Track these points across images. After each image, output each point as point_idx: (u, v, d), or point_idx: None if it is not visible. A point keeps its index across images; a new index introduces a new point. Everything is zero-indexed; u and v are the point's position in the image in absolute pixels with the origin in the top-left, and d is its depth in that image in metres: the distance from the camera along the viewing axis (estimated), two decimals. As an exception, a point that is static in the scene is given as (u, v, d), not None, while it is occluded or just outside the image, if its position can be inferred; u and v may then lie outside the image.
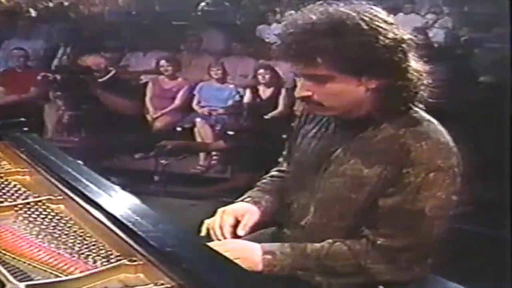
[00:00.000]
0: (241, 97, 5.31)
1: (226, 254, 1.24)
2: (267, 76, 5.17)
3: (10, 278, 1.07)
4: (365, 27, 1.36)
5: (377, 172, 1.43)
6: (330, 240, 1.48)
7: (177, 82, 5.52)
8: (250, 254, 1.46)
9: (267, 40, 6.92)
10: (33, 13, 7.19)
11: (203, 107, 5.40)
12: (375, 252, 1.45)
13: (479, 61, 5.21)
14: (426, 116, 1.49)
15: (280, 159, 1.79)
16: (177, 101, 5.44)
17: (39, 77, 5.45)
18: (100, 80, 5.17)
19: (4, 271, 1.10)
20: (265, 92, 5.20)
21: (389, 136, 1.44)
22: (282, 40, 1.43)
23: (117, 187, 1.50)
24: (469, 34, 5.94)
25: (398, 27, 1.41)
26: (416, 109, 1.49)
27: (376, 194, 1.43)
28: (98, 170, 1.61)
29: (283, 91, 5.17)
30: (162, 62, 5.51)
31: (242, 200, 1.67)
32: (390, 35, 1.38)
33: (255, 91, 5.23)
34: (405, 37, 1.41)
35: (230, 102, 5.27)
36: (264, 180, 1.75)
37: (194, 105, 5.48)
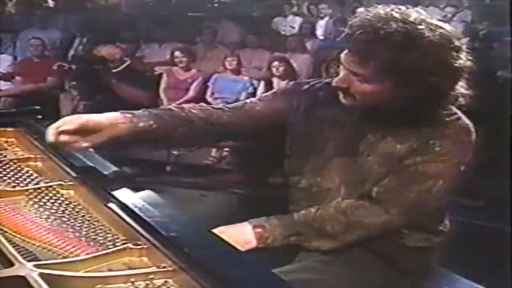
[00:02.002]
0: (255, 89, 5.33)
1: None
2: (281, 69, 5.18)
3: (19, 258, 1.11)
4: (431, 52, 1.39)
5: (407, 145, 1.50)
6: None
7: (191, 74, 5.56)
8: (243, 233, 1.50)
9: (283, 32, 6.93)
10: (50, 3, 7.26)
11: (216, 98, 5.43)
12: (365, 205, 1.51)
13: (498, 55, 5.17)
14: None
15: (220, 105, 1.67)
16: (191, 93, 5.48)
17: (54, 67, 5.52)
18: (114, 70, 5.22)
19: (14, 251, 1.14)
20: (279, 85, 5.21)
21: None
22: (351, 31, 1.45)
23: (126, 175, 1.54)
24: (488, 28, 5.89)
25: (462, 52, 1.43)
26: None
27: (399, 165, 1.51)
28: (112, 160, 1.64)
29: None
30: (177, 53, 5.55)
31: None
32: (451, 64, 1.40)
33: (269, 84, 5.25)
34: (463, 64, 1.43)
35: (243, 94, 5.29)
36: (170, 109, 1.59)
37: (208, 96, 5.51)
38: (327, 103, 1.60)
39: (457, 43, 1.43)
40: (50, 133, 1.43)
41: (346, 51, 1.48)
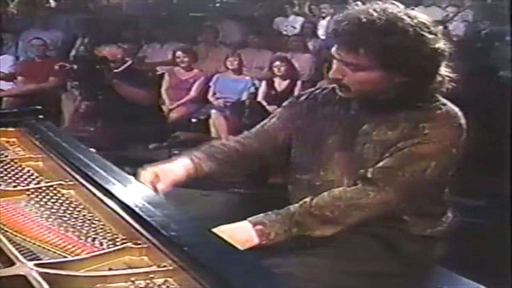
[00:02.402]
0: (256, 89, 5.34)
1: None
2: (282, 69, 5.18)
3: (20, 257, 1.12)
4: (412, 34, 1.51)
5: (398, 132, 1.57)
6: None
7: (193, 74, 5.56)
8: (243, 231, 1.51)
9: (284, 32, 6.93)
10: (52, 3, 7.27)
11: (218, 98, 5.44)
12: (360, 187, 1.55)
13: (499, 55, 5.16)
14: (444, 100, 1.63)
15: (246, 132, 1.81)
16: (193, 92, 5.48)
17: (56, 67, 5.53)
18: (116, 70, 5.23)
19: (15, 251, 1.14)
20: (280, 85, 5.22)
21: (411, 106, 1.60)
22: (337, 26, 1.58)
23: (126, 175, 1.54)
24: (489, 28, 5.89)
25: (440, 38, 1.55)
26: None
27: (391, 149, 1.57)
28: (113, 159, 1.65)
29: (299, 83, 5.18)
30: (179, 53, 5.55)
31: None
32: (431, 45, 1.53)
33: (270, 83, 5.25)
34: (444, 48, 1.56)
35: (245, 94, 5.30)
36: (214, 145, 1.78)
37: (210, 96, 5.52)
38: (326, 103, 1.71)
39: (433, 28, 1.55)
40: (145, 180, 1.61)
41: (335, 45, 1.59)
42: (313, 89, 1.81)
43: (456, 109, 1.61)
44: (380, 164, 1.56)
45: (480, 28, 6.24)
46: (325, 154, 1.66)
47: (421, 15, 1.57)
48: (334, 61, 1.60)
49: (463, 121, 1.59)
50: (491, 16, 6.07)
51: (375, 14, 1.52)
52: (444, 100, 1.61)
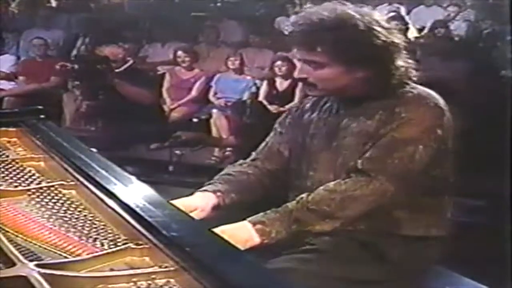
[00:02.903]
0: (258, 89, 5.33)
1: None
2: (284, 68, 5.17)
3: (21, 258, 1.12)
4: (362, 28, 1.60)
5: (377, 119, 1.62)
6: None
7: (194, 73, 5.56)
8: (243, 231, 1.52)
9: (285, 32, 6.92)
10: (53, 3, 7.27)
11: (219, 98, 5.44)
12: (354, 179, 1.56)
13: (501, 55, 5.15)
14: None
15: (254, 154, 1.84)
16: (194, 92, 5.48)
17: (57, 67, 5.53)
18: (117, 70, 5.23)
19: (15, 251, 1.14)
20: (282, 84, 5.21)
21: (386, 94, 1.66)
22: (294, 28, 1.68)
23: (128, 175, 1.54)
24: (491, 27, 5.88)
25: (392, 32, 1.64)
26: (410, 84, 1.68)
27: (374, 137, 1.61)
28: (114, 159, 1.64)
29: (300, 83, 5.17)
30: (180, 53, 5.55)
31: (206, 190, 1.72)
32: (382, 38, 1.61)
33: (272, 83, 5.24)
34: (396, 41, 1.63)
35: (246, 94, 5.29)
36: (232, 173, 1.79)
37: (211, 96, 5.51)
38: (314, 109, 1.79)
39: (384, 23, 1.63)
40: None
41: (295, 46, 1.68)
42: (305, 99, 1.87)
43: (429, 90, 1.65)
44: (368, 154, 1.59)
45: (481, 28, 6.22)
46: (313, 155, 1.71)
47: (372, 12, 1.66)
48: (298, 62, 1.69)
49: (440, 101, 1.62)
50: (492, 16, 6.05)
51: (325, 13, 1.61)
52: (414, 85, 1.66)
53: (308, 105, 1.80)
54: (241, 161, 1.84)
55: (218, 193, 1.70)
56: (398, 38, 1.64)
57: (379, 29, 1.60)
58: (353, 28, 1.59)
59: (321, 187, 1.59)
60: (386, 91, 1.64)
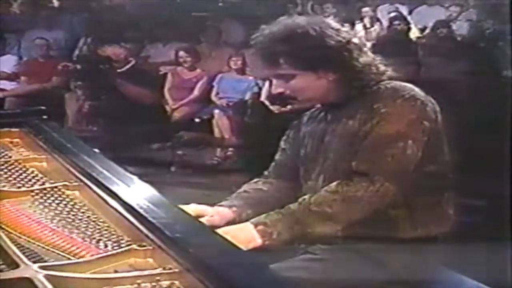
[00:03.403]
0: (260, 89, 5.33)
1: None
2: (286, 68, 5.16)
3: (25, 259, 1.11)
4: (313, 33, 1.65)
5: (357, 118, 1.64)
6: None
7: (196, 73, 5.56)
8: (245, 232, 1.52)
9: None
10: (55, 3, 7.27)
11: (221, 98, 5.43)
12: (353, 181, 1.56)
13: (503, 55, 5.15)
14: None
15: (266, 172, 1.86)
16: (196, 92, 5.48)
17: (59, 67, 5.53)
18: (119, 70, 5.23)
19: (19, 253, 1.14)
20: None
21: (362, 96, 1.68)
22: (255, 47, 1.72)
23: (130, 175, 1.53)
24: (493, 27, 5.87)
25: (348, 32, 1.70)
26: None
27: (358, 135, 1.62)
28: (116, 159, 1.64)
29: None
30: (181, 53, 5.55)
31: (222, 205, 1.72)
32: (336, 38, 1.65)
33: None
34: (353, 40, 1.69)
35: (248, 94, 5.29)
36: (248, 190, 1.80)
37: (213, 96, 5.51)
38: (308, 121, 1.81)
39: (337, 26, 1.68)
40: None
41: (261, 65, 1.71)
42: (303, 113, 1.87)
43: (405, 84, 1.66)
44: (359, 154, 1.59)
45: (483, 28, 6.21)
46: (307, 165, 1.74)
47: (324, 19, 1.72)
48: (272, 80, 1.73)
49: (418, 92, 1.63)
50: (494, 16, 6.04)
51: (275, 28, 1.67)
52: (389, 80, 1.68)
53: (305, 119, 1.83)
54: (256, 179, 1.85)
55: (234, 208, 1.71)
56: (355, 38, 1.71)
57: (331, 31, 1.65)
58: (304, 34, 1.64)
59: (323, 189, 1.59)
60: (363, 89, 1.67)
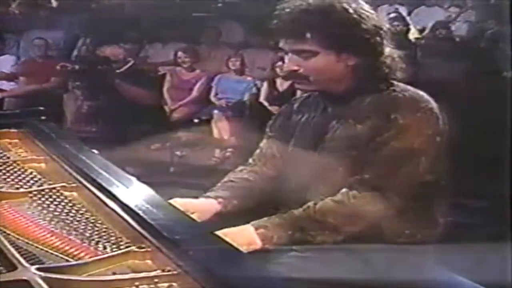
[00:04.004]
0: (258, 89, 5.33)
1: None
2: (285, 69, 5.16)
3: (22, 261, 1.11)
4: (351, 11, 1.58)
5: (368, 124, 1.57)
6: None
7: (195, 74, 5.56)
8: (245, 234, 1.51)
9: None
10: (54, 3, 7.26)
11: (220, 99, 5.43)
12: (362, 193, 1.52)
13: (502, 56, 5.14)
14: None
15: (251, 160, 1.81)
16: (195, 93, 5.47)
17: (58, 67, 5.52)
18: (118, 70, 5.22)
19: (17, 255, 1.13)
20: (282, 85, 5.20)
21: (375, 97, 1.62)
22: (279, 18, 1.62)
23: (129, 176, 1.53)
24: (493, 28, 5.86)
25: (379, 18, 1.65)
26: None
27: (370, 145, 1.56)
28: (115, 160, 1.64)
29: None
30: (180, 53, 5.55)
31: (208, 196, 1.70)
32: (371, 21, 1.60)
33: (272, 84, 5.24)
34: (383, 26, 1.63)
35: (247, 95, 5.29)
36: (233, 180, 1.76)
37: (212, 97, 5.51)
38: (300, 109, 1.74)
39: (370, 10, 1.61)
40: None
41: (282, 38, 1.63)
42: (294, 100, 1.82)
43: (420, 92, 1.62)
44: (373, 168, 1.54)
45: (483, 29, 6.21)
46: (298, 159, 1.68)
47: (359, 1, 1.63)
48: (286, 56, 1.65)
49: (433, 104, 1.59)
50: (494, 17, 6.04)
51: (310, 0, 1.59)
52: (403, 85, 1.63)
53: (296, 106, 1.77)
54: (241, 167, 1.81)
55: (220, 199, 1.69)
56: (385, 24, 1.65)
57: (367, 13, 1.60)
58: (342, 11, 1.57)
59: (329, 198, 1.55)
60: (375, 84, 1.61)
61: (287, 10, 1.60)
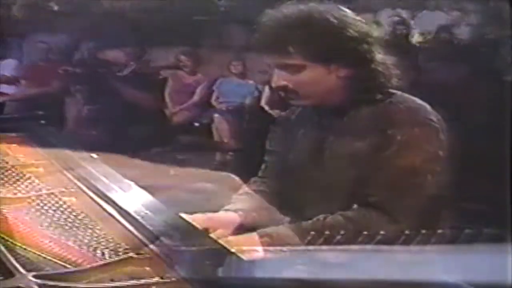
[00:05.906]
0: (260, 93, 5.32)
1: None
2: (286, 73, 5.16)
3: (20, 268, 1.10)
4: (333, 19, 1.49)
5: (367, 142, 1.50)
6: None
7: (196, 77, 5.55)
8: (248, 242, 1.48)
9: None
10: (55, 7, 7.27)
11: (221, 103, 5.43)
12: (371, 214, 1.48)
13: (504, 60, 5.14)
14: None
15: (260, 173, 1.78)
16: (196, 96, 5.47)
17: (59, 71, 5.52)
18: (119, 74, 5.22)
19: (14, 261, 1.12)
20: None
21: (371, 110, 1.53)
22: (259, 33, 1.54)
23: (128, 181, 1.52)
24: (494, 32, 5.86)
25: (366, 23, 1.55)
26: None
27: (372, 163, 1.50)
28: (115, 164, 1.63)
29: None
30: (182, 57, 5.55)
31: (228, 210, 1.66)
32: (356, 28, 1.51)
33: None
34: (371, 32, 1.54)
35: (248, 98, 5.28)
36: (249, 192, 1.73)
37: (213, 100, 5.51)
38: (297, 122, 1.68)
39: (352, 14, 1.53)
40: None
41: (266, 53, 1.56)
42: (291, 110, 1.76)
43: (417, 101, 1.54)
44: (379, 190, 1.49)
45: (485, 33, 6.21)
46: (297, 173, 1.63)
47: (342, 8, 1.55)
48: (273, 72, 1.56)
49: (431, 114, 1.52)
50: (495, 21, 6.04)
51: (291, 11, 1.51)
52: (400, 93, 1.55)
53: (293, 117, 1.72)
54: (253, 178, 1.77)
55: (240, 212, 1.64)
56: (373, 29, 1.56)
57: (351, 20, 1.51)
58: (322, 21, 1.49)
59: (339, 213, 1.51)
60: (370, 95, 1.54)
61: (267, 23, 1.53)
